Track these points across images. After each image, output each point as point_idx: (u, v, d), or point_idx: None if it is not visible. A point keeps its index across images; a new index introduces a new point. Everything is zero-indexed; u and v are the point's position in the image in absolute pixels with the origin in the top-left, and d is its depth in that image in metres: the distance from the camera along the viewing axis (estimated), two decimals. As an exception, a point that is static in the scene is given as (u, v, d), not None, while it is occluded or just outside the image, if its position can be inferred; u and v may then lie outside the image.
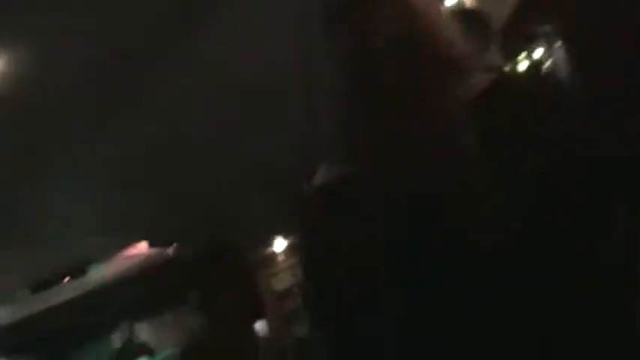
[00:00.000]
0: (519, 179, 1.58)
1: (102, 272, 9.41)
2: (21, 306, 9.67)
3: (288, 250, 12.88)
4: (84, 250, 8.61)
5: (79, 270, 8.90)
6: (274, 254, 13.00)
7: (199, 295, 3.74)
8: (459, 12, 3.77)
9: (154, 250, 9.28)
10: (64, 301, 9.82)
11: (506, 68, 3.67)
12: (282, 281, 12.74)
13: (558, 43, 3.92)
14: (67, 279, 8.85)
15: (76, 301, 10.18)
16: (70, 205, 7.25)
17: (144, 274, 10.10)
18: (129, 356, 11.27)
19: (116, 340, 12.47)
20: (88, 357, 13.34)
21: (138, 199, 7.69)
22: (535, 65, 4.14)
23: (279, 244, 12.85)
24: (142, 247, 9.13)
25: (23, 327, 10.49)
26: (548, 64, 4.02)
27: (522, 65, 4.28)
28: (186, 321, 11.43)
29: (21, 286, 8.86)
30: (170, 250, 9.39)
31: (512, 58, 4.31)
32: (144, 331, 12.66)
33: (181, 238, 9.21)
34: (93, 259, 8.94)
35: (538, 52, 4.21)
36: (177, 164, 6.88)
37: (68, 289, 9.41)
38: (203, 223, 9.14)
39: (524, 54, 4.31)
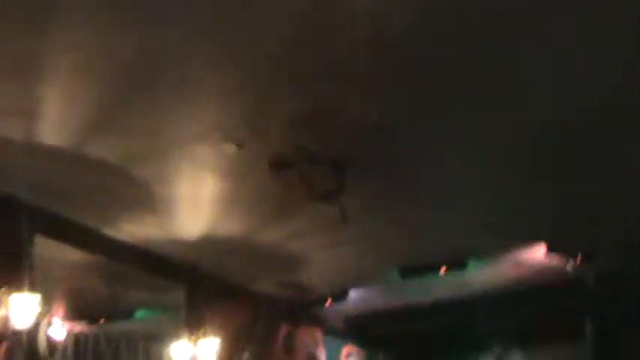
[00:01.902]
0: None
1: (483, 272, 7.62)
2: (392, 291, 8.43)
3: None
4: (465, 241, 6.92)
5: (458, 262, 7.23)
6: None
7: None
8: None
9: (553, 259, 7.23)
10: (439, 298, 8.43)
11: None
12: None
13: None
14: (442, 269, 7.23)
15: (451, 301, 8.64)
16: (460, 184, 5.82)
17: (534, 288, 8.08)
18: None
19: (484, 360, 10.81)
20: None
21: (535, 191, 5.95)
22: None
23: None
24: (538, 251, 7.14)
25: (391, 316, 9.33)
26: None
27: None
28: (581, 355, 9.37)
29: (390, 267, 7.52)
30: (570, 263, 7.28)
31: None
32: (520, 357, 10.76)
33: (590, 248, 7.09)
34: (474, 252, 7.19)
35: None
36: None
37: (442, 282, 7.84)
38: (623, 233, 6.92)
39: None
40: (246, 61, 4.08)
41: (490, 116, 4.73)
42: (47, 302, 6.21)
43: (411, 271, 7.46)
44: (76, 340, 7.99)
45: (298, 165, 5.08)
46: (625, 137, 5.15)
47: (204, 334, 7.34)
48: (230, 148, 5.00)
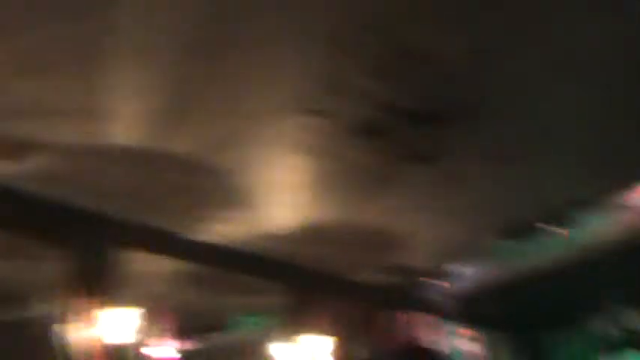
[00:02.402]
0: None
1: (593, 225, 7.01)
2: (499, 263, 7.88)
3: None
4: (573, 192, 6.32)
5: (565, 217, 6.64)
6: None
7: None
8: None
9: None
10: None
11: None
12: None
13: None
14: (547, 227, 6.68)
15: (561, 264, 8.01)
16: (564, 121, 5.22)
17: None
18: (610, 344, 8.85)
19: (597, 324, 10.10)
20: (562, 344, 11.24)
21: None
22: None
23: None
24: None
25: (502, 290, 8.78)
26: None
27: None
28: None
29: (494, 233, 6.96)
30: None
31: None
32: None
33: None
34: (583, 203, 6.57)
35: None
36: None
37: (547, 242, 7.23)
38: None
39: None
40: (318, 8, 3.66)
41: (591, 30, 4.12)
42: (151, 319, 6.00)
43: (515, 232, 6.89)
44: (187, 357, 7.83)
45: (389, 126, 4.59)
46: None
47: (310, 332, 6.98)
48: (314, 120, 4.58)
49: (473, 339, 9.43)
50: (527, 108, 4.95)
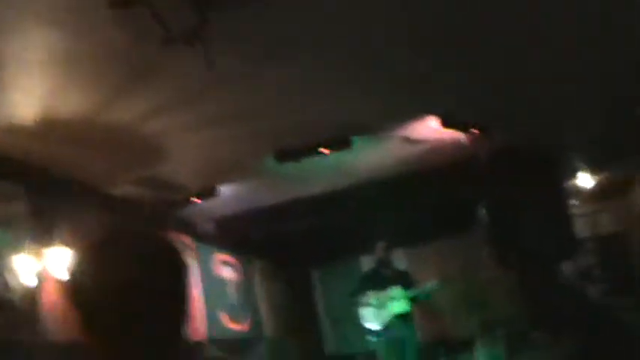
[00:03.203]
0: None
1: (370, 153, 6.78)
2: (268, 186, 7.43)
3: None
4: (350, 115, 6.03)
5: (340, 141, 6.33)
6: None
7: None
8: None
9: (448, 134, 6.48)
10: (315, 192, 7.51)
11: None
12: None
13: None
14: (325, 150, 6.30)
15: (333, 193, 7.77)
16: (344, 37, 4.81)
17: (424, 172, 7.35)
18: (379, 283, 8.78)
19: (365, 262, 10.22)
20: (331, 279, 11.26)
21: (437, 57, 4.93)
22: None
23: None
24: (431, 126, 6.36)
25: (267, 215, 8.39)
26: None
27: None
28: (473, 248, 8.79)
29: (265, 153, 6.51)
30: (465, 138, 6.55)
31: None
32: (405, 256, 10.19)
33: (489, 123, 6.34)
34: (361, 129, 6.31)
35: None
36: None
37: (321, 167, 6.91)
38: (520, 111, 6.23)
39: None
40: None
41: None
42: None
43: (289, 153, 6.49)
44: None
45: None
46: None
47: (53, 245, 6.20)
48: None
49: (232, 265, 9.07)
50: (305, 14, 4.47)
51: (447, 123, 6.04)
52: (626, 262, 11.40)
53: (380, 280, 8.93)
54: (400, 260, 10.31)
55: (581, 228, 11.20)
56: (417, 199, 7.91)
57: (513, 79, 5.70)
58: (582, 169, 9.70)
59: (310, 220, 8.42)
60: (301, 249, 9.81)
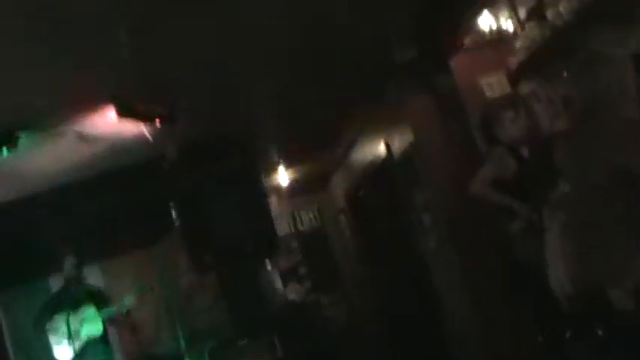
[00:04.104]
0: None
1: (42, 153, 5.81)
2: None
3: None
4: (15, 106, 5.02)
5: (5, 138, 5.24)
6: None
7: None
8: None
9: (129, 128, 5.73)
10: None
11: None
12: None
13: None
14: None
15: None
16: None
17: (108, 172, 6.50)
18: (69, 304, 7.69)
19: (55, 281, 9.04)
20: (17, 304, 9.85)
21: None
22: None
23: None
24: (109, 119, 5.55)
25: None
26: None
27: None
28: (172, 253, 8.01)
29: None
30: (148, 129, 5.86)
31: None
32: (98, 269, 9.24)
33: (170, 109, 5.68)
34: (28, 124, 5.31)
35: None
36: None
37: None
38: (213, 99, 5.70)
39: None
40: None
41: None
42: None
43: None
44: None
45: None
46: None
47: None
48: None
49: None
50: None
51: (122, 111, 5.22)
52: (328, 258, 11.53)
53: (70, 300, 7.90)
54: (96, 276, 9.36)
55: (283, 225, 11.13)
56: (103, 206, 6.98)
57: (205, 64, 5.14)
58: (281, 163, 9.50)
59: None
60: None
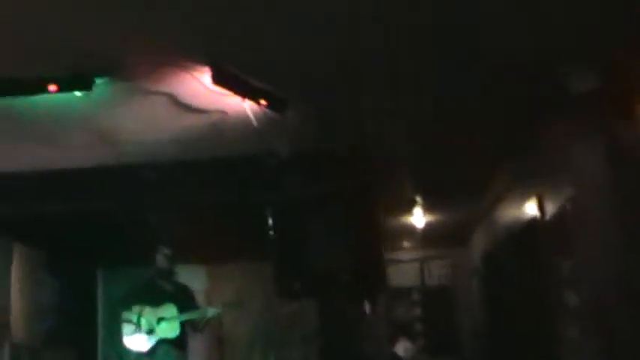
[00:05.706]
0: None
1: (116, 104, 5.09)
2: None
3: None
4: (92, 49, 4.26)
5: (77, 80, 4.52)
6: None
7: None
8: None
9: (230, 104, 4.90)
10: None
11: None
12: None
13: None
14: (51, 87, 4.46)
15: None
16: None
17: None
18: (151, 298, 7.11)
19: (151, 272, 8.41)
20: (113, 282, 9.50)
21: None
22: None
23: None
24: (201, 82, 4.68)
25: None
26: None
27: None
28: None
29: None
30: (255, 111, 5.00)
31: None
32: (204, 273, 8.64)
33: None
34: (106, 67, 4.52)
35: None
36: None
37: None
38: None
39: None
40: None
41: None
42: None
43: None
44: None
45: None
46: None
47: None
48: None
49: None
50: None
51: (219, 77, 4.33)
52: (452, 320, 10.38)
53: (153, 294, 7.22)
54: (200, 280, 8.76)
55: (410, 274, 10.11)
56: (199, 196, 6.14)
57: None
58: (418, 204, 8.44)
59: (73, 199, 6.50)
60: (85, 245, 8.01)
